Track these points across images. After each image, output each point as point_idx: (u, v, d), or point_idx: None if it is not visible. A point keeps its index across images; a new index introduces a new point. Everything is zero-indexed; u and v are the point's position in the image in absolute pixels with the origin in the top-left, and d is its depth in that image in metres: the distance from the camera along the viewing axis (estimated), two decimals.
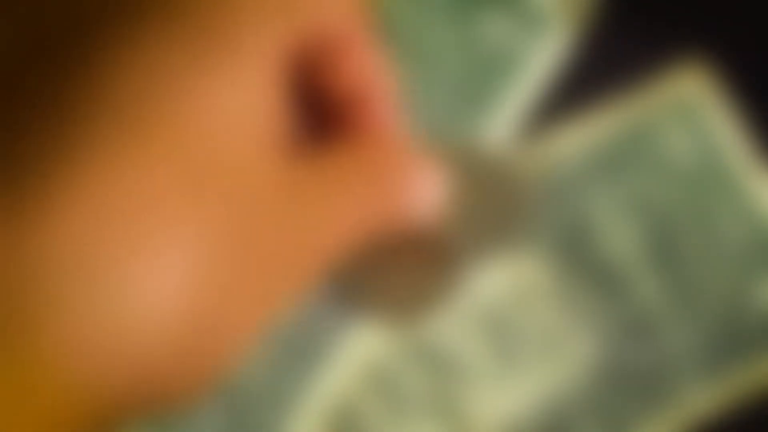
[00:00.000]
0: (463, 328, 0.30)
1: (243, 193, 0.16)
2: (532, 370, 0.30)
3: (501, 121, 0.31)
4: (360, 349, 0.30)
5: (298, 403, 0.30)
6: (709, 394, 0.29)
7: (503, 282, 0.30)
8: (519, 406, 0.30)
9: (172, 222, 0.15)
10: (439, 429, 0.30)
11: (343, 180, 0.18)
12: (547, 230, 0.30)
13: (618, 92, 0.31)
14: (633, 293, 0.30)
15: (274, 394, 0.30)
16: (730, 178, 0.30)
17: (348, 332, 0.30)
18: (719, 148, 0.30)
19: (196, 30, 0.16)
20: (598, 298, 0.30)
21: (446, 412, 0.30)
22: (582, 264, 0.30)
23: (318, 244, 0.17)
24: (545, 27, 0.31)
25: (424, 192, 0.19)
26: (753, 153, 0.30)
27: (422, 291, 0.30)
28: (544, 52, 0.31)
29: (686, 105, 0.30)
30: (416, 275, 0.30)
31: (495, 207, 0.30)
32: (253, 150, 0.16)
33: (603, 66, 0.31)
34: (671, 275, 0.30)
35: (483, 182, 0.30)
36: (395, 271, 0.30)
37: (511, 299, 0.30)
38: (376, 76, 0.19)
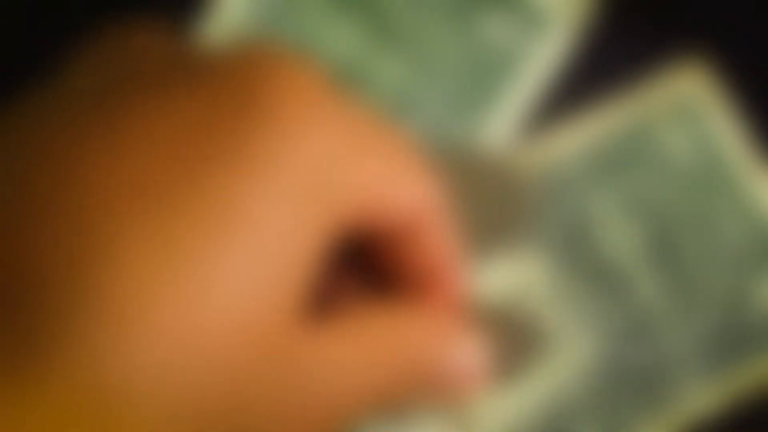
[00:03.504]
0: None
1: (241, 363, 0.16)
2: (532, 371, 0.30)
3: (501, 121, 0.31)
4: None
5: None
6: (709, 394, 0.29)
7: (503, 282, 0.30)
8: (519, 406, 0.30)
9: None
10: (440, 429, 0.30)
11: (383, 342, 0.18)
12: (547, 230, 0.30)
13: (618, 92, 0.31)
14: (633, 293, 0.30)
15: None
16: (730, 178, 0.30)
17: None
18: (719, 148, 0.30)
19: (215, 201, 0.16)
20: (598, 298, 0.30)
21: (446, 412, 0.30)
22: (582, 264, 0.30)
23: (329, 404, 0.17)
24: (545, 27, 0.31)
25: (467, 360, 0.20)
26: (753, 153, 0.30)
27: None
28: (544, 52, 0.31)
29: (686, 105, 0.30)
30: None
31: (495, 207, 0.30)
32: (260, 319, 0.16)
33: (603, 66, 0.31)
34: (671, 275, 0.30)
35: (483, 183, 0.30)
36: None
37: (510, 299, 0.30)
38: (447, 254, 0.19)
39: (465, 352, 0.20)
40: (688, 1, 0.31)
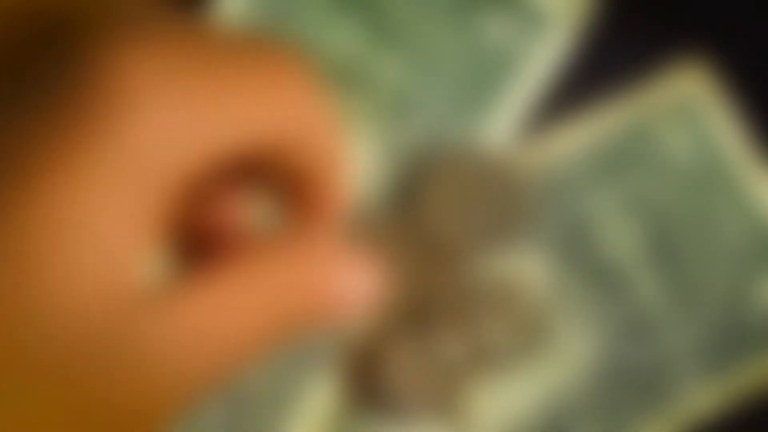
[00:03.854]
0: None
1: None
2: (532, 370, 0.30)
3: (501, 121, 0.31)
4: None
5: (297, 404, 0.30)
6: (709, 394, 0.29)
7: (503, 281, 0.30)
8: (519, 406, 0.30)
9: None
10: (440, 429, 0.30)
11: (269, 280, 0.18)
12: (547, 230, 0.30)
13: (618, 92, 0.31)
14: (633, 293, 0.30)
15: (273, 394, 0.30)
16: (730, 178, 0.30)
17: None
18: (719, 148, 0.30)
19: (64, 173, 0.16)
20: (598, 298, 0.30)
21: (446, 411, 0.30)
22: (582, 264, 0.30)
23: (212, 351, 0.18)
24: (545, 27, 0.31)
25: (357, 285, 0.19)
26: (753, 153, 0.30)
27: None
28: (544, 52, 0.31)
29: (686, 105, 0.30)
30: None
31: (495, 207, 0.30)
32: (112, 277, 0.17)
33: (603, 66, 0.31)
34: (671, 275, 0.30)
35: (483, 183, 0.30)
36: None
37: (511, 297, 0.30)
38: (339, 172, 0.19)
39: (353, 277, 0.20)
40: (688, 1, 0.31)
